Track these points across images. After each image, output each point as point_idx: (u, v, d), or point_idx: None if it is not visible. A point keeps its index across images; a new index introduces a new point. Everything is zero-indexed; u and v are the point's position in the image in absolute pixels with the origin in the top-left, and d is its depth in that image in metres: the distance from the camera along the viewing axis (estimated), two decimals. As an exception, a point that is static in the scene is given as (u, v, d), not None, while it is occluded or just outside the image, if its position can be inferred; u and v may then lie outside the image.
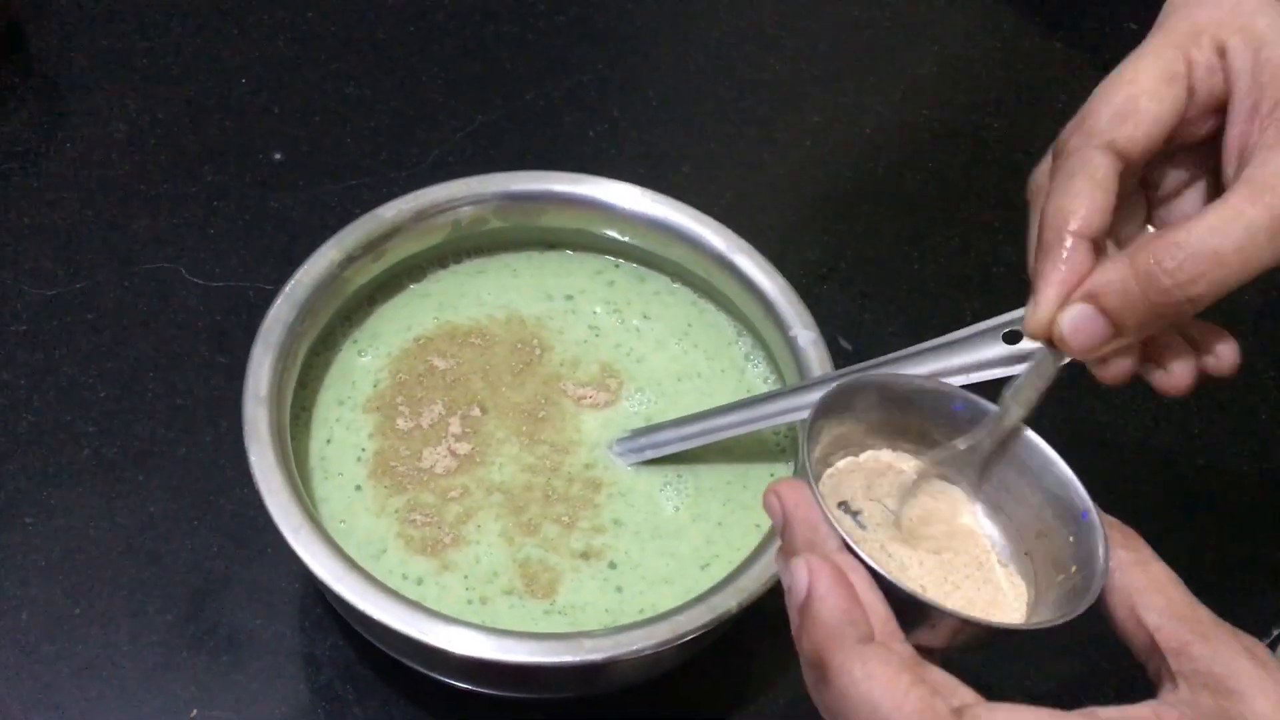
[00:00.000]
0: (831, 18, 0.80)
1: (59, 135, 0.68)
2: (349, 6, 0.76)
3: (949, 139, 0.75)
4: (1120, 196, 0.37)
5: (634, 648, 0.42)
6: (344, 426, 0.50)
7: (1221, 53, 0.36)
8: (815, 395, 0.47)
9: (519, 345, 0.53)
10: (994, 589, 0.38)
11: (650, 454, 0.50)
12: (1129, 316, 0.34)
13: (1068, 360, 0.37)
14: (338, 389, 0.51)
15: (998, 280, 0.67)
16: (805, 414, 0.47)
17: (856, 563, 0.34)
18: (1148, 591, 0.34)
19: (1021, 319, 0.43)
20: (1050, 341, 0.36)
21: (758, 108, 0.75)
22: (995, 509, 0.39)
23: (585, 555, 0.47)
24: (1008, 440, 0.38)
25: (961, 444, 0.39)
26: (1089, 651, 0.53)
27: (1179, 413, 0.63)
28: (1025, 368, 0.37)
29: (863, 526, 0.38)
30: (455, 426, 0.50)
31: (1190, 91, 0.36)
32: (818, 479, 0.39)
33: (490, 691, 0.47)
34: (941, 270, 0.68)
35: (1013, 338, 0.43)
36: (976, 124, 0.76)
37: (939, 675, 0.32)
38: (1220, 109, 0.37)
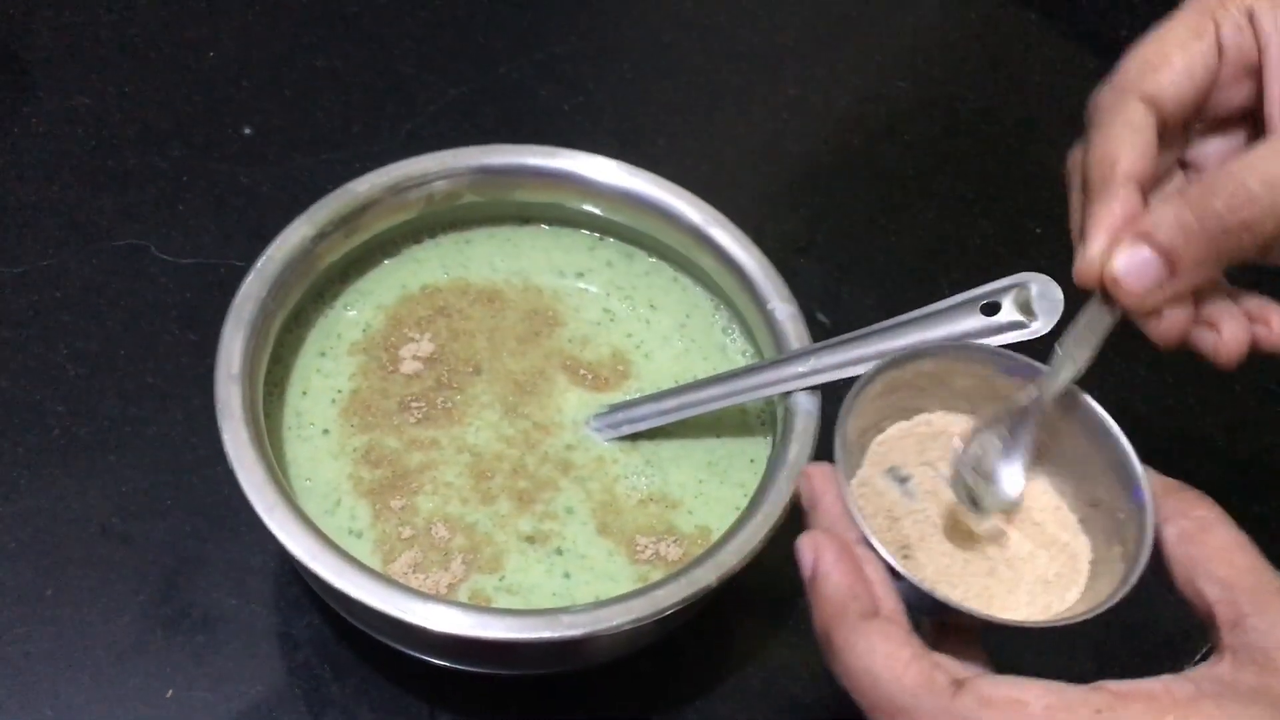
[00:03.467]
0: (807, -11, 0.80)
1: (23, 110, 0.66)
2: (318, -22, 0.75)
3: (924, 111, 0.74)
4: (1159, 164, 0.36)
5: (613, 623, 0.42)
6: (323, 375, 0.50)
7: (1250, 15, 0.35)
8: (793, 369, 0.47)
9: (533, 314, 0.53)
10: (1059, 549, 0.37)
11: (627, 429, 0.49)
12: (1184, 252, 0.32)
13: (1118, 316, 0.35)
14: (320, 343, 0.51)
15: (974, 253, 0.67)
16: (781, 388, 0.47)
17: (873, 555, 0.34)
18: (1209, 561, 0.33)
19: (999, 290, 0.43)
20: (1103, 291, 0.34)
21: (733, 80, 0.74)
22: (1054, 472, 0.39)
23: (531, 539, 0.47)
24: (1067, 404, 0.37)
25: (1012, 403, 0.37)
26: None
27: (1221, 397, 0.62)
28: (1076, 324, 0.36)
29: (911, 495, 0.38)
30: (444, 377, 0.50)
31: (1220, 49, 0.35)
32: (864, 449, 0.39)
33: (468, 668, 0.47)
34: (918, 243, 0.67)
35: (991, 309, 0.42)
36: (952, 96, 0.75)
37: (944, 655, 0.32)
38: (1254, 73, 0.36)
